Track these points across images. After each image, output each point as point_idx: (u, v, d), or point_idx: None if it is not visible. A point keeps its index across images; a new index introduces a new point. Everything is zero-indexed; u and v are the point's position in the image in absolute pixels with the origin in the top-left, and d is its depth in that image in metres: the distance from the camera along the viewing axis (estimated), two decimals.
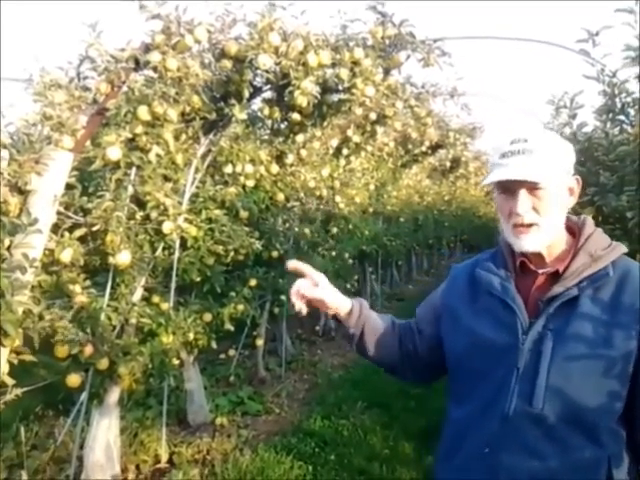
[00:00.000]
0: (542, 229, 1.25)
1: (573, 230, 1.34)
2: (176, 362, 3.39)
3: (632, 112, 3.09)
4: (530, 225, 1.25)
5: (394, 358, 1.51)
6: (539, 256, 1.30)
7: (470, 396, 1.32)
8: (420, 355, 1.48)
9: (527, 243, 1.26)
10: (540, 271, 1.30)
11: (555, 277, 1.27)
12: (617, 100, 3.14)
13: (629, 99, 3.09)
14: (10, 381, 2.40)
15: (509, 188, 1.25)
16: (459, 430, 1.34)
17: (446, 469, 1.38)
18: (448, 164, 10.60)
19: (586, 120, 3.97)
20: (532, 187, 1.23)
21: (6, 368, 2.31)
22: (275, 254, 4.80)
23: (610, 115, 3.23)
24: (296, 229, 5.38)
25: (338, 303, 1.46)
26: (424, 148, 7.79)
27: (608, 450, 1.21)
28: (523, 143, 1.25)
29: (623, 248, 1.32)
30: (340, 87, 3.62)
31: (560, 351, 1.20)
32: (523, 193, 1.23)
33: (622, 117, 3.17)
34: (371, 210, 7.58)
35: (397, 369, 1.54)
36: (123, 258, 2.98)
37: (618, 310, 1.21)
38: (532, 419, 1.20)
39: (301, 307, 1.41)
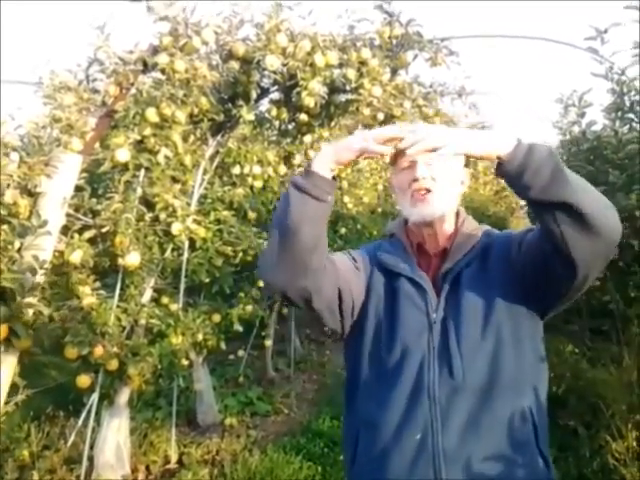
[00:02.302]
0: (436, 196, 1.34)
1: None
2: (185, 363, 3.40)
3: None
4: (427, 192, 1.33)
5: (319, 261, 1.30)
6: (432, 235, 1.39)
7: (393, 388, 1.30)
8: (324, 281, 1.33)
9: (424, 210, 1.34)
10: (432, 251, 1.40)
11: (445, 255, 1.38)
12: (626, 98, 3.13)
13: (638, 97, 3.08)
14: (21, 382, 2.42)
15: (408, 162, 1.34)
16: (389, 428, 1.29)
17: (382, 468, 1.31)
18: None
19: (595, 118, 3.95)
20: (428, 160, 1.32)
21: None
22: None
23: (619, 113, 3.22)
24: None
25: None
26: None
27: (529, 400, 1.34)
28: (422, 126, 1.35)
29: (486, 226, 1.46)
30: (347, 87, 3.62)
31: (463, 322, 1.30)
32: (421, 160, 1.32)
33: (631, 115, 3.16)
34: (380, 210, 7.57)
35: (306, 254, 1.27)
36: (132, 259, 2.99)
37: (489, 264, 1.35)
38: (458, 391, 1.27)
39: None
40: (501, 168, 1.17)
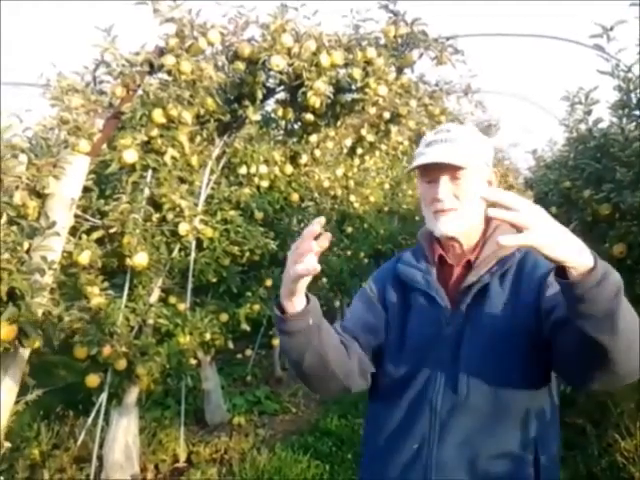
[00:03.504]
0: (460, 214, 1.30)
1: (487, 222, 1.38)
2: (193, 362, 3.42)
3: None
4: (450, 210, 1.30)
5: (341, 364, 1.30)
6: (456, 247, 1.35)
7: (400, 395, 1.32)
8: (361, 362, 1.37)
9: (446, 226, 1.30)
10: (456, 262, 1.36)
11: (470, 267, 1.33)
12: (632, 95, 3.11)
13: None
14: (31, 381, 2.45)
15: (432, 176, 1.30)
16: (390, 432, 1.32)
17: (380, 471, 1.32)
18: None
19: (602, 116, 3.93)
20: (453, 175, 1.28)
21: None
22: None
23: (626, 110, 3.20)
24: None
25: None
26: None
27: (534, 433, 1.25)
28: (446, 133, 1.33)
29: None
30: (353, 87, 3.62)
31: (477, 339, 1.26)
32: (444, 180, 1.28)
33: (638, 112, 3.14)
34: (386, 209, 7.57)
35: (338, 376, 1.30)
36: (140, 259, 3.01)
37: (520, 288, 1.28)
38: (459, 408, 1.25)
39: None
40: (566, 277, 1.00)
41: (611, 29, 2.96)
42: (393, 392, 1.33)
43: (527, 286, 1.27)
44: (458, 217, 1.30)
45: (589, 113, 4.10)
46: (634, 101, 3.13)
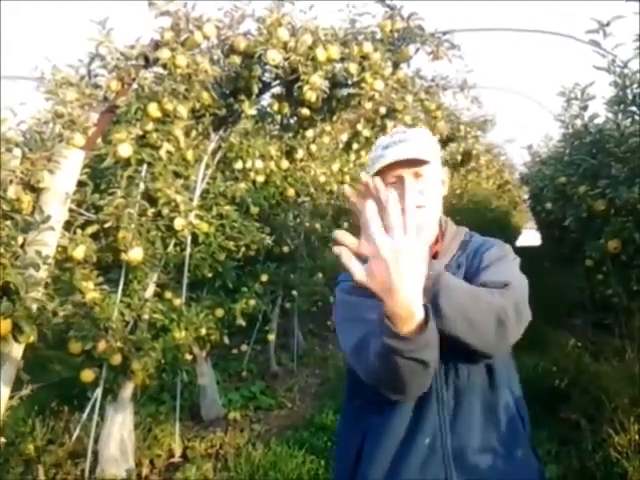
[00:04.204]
0: (427, 211, 1.34)
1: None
2: (189, 357, 3.42)
3: None
4: (418, 207, 1.27)
5: None
6: None
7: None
8: None
9: None
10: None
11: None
12: (628, 91, 3.11)
13: None
14: (25, 376, 2.44)
15: (394, 177, 1.33)
16: (398, 434, 1.29)
17: (395, 473, 1.29)
18: (459, 157, 10.53)
19: (597, 112, 3.94)
20: (416, 172, 1.33)
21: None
22: (286, 249, 4.81)
23: (621, 106, 3.21)
24: (307, 224, 5.39)
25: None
26: None
27: (514, 396, 1.36)
28: (402, 134, 1.37)
29: (466, 229, 1.48)
30: (349, 81, 3.61)
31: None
32: (409, 177, 1.32)
33: (634, 108, 3.15)
34: None
35: None
36: (135, 254, 3.00)
37: (469, 273, 1.35)
38: (464, 391, 1.28)
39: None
40: None
41: (607, 25, 2.96)
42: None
43: (472, 271, 1.35)
44: (426, 214, 1.34)
45: (585, 109, 4.11)
46: (630, 97, 3.13)
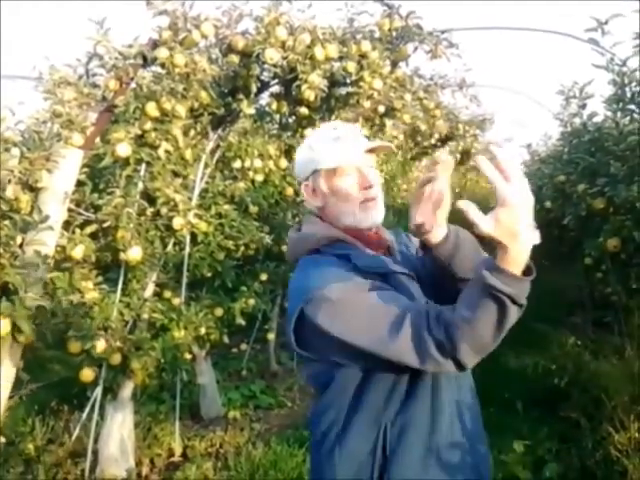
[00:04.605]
0: (380, 200, 1.38)
1: None
2: (188, 357, 3.42)
3: None
4: (374, 198, 1.36)
5: None
6: (379, 233, 1.44)
7: (413, 382, 1.28)
8: None
9: (376, 214, 1.37)
10: (380, 249, 1.43)
11: (389, 251, 1.45)
12: (627, 89, 3.12)
13: (639, 88, 3.07)
14: (25, 376, 2.44)
15: (348, 168, 1.34)
16: (416, 426, 1.28)
17: (431, 464, 1.28)
18: (458, 156, 10.54)
19: (596, 110, 3.94)
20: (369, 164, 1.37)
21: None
22: (285, 248, 4.80)
23: (620, 105, 3.21)
24: None
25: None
26: (434, 140, 7.76)
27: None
28: (346, 127, 1.40)
29: None
30: (348, 80, 3.61)
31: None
32: (367, 166, 1.35)
33: (632, 107, 3.15)
34: None
35: None
36: (134, 254, 3.00)
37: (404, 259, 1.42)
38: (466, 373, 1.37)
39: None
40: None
41: (606, 23, 2.96)
42: (410, 382, 1.28)
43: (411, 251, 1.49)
44: (381, 203, 1.38)
45: (584, 107, 4.12)
46: (629, 95, 3.13)
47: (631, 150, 3.16)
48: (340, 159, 1.34)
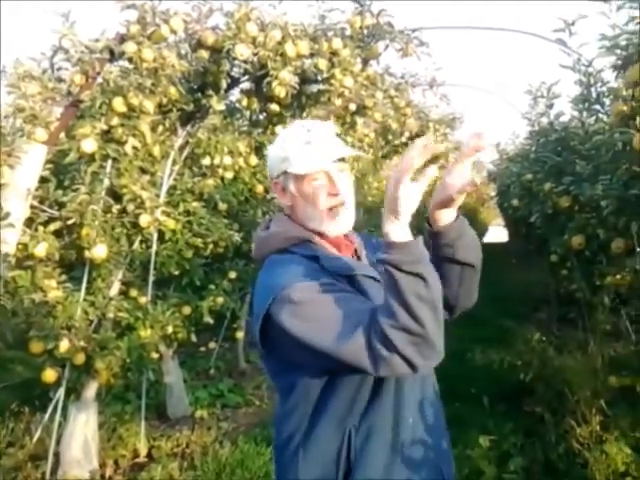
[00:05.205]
0: (349, 207, 1.36)
1: None
2: (155, 356, 3.37)
3: (607, 102, 3.12)
4: (342, 204, 1.34)
5: None
6: (348, 238, 1.42)
7: (377, 386, 1.28)
8: None
9: (343, 222, 1.35)
10: (348, 252, 1.42)
11: (357, 255, 1.45)
12: (593, 90, 3.17)
13: (604, 89, 3.12)
14: None
15: (317, 173, 1.32)
16: (390, 423, 1.29)
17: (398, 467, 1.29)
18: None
19: (563, 110, 4.01)
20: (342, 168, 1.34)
21: None
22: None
23: (586, 104, 3.26)
24: None
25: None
26: (404, 139, 7.78)
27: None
28: (319, 129, 1.35)
29: None
30: (319, 77, 3.60)
31: None
32: (336, 172, 1.33)
33: (598, 107, 3.20)
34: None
35: None
36: (99, 252, 2.94)
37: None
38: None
39: None
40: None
41: (573, 24, 3.00)
42: (374, 381, 1.28)
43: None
44: (351, 208, 1.36)
45: (551, 107, 4.18)
46: (594, 95, 3.18)
47: (596, 149, 3.22)
48: (309, 166, 1.31)
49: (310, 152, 1.31)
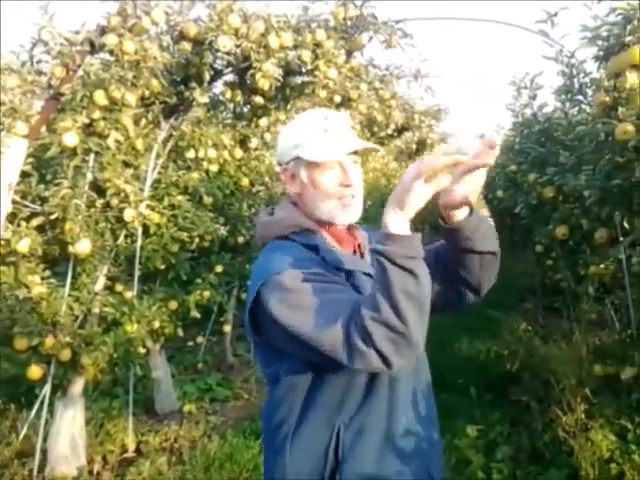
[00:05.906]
0: (359, 199, 1.36)
1: None
2: (142, 351, 3.35)
3: (590, 92, 3.14)
4: (352, 196, 1.34)
5: None
6: (349, 232, 1.42)
7: (370, 384, 1.29)
8: None
9: (352, 215, 1.35)
10: (350, 247, 1.42)
11: (360, 250, 1.44)
12: (575, 80, 3.19)
13: (587, 79, 3.14)
14: None
15: (331, 162, 1.30)
16: (383, 419, 1.30)
17: (390, 463, 1.30)
18: (414, 146, 10.63)
19: (546, 101, 4.03)
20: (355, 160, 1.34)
21: None
22: (241, 239, 4.75)
23: (569, 95, 3.28)
24: None
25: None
26: (390, 131, 7.78)
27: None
28: (336, 118, 1.35)
29: None
30: (303, 69, 3.58)
31: None
32: (350, 164, 1.32)
33: (580, 97, 3.22)
34: None
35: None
36: (83, 247, 2.91)
37: None
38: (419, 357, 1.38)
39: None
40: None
41: (555, 15, 3.01)
42: (368, 382, 1.28)
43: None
44: (359, 203, 1.36)
45: (534, 98, 4.21)
46: (577, 86, 3.20)
47: (579, 140, 3.24)
48: (325, 154, 1.30)
49: (327, 141, 1.30)
